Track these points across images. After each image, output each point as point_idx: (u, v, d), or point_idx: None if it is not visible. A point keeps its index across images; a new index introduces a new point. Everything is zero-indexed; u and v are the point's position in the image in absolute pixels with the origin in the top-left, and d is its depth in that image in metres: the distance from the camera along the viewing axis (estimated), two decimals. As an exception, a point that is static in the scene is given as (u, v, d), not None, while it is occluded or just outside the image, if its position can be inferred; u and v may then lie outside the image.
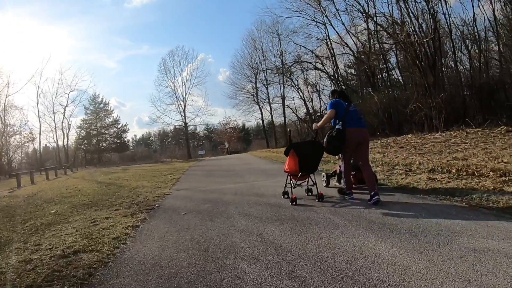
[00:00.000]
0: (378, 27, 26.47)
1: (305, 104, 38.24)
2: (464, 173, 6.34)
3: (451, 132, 16.57)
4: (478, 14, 25.14)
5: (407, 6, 23.76)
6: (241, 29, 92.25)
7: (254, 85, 45.05)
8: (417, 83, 24.66)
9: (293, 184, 5.79)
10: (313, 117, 37.01)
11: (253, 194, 6.68)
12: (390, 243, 3.20)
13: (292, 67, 34.71)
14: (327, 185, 6.98)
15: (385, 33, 26.15)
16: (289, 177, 5.94)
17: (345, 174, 5.58)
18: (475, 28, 25.36)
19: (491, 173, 5.94)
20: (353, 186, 5.90)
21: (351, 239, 3.41)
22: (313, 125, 6.11)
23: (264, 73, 43.35)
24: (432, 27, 23.65)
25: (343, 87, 31.58)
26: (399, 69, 29.81)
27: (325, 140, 5.52)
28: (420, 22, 24.11)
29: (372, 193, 4.97)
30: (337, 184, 6.83)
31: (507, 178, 5.53)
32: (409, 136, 19.16)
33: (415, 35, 23.64)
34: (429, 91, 22.22)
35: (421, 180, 6.37)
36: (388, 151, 13.68)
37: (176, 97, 49.70)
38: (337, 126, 5.34)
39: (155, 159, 40.12)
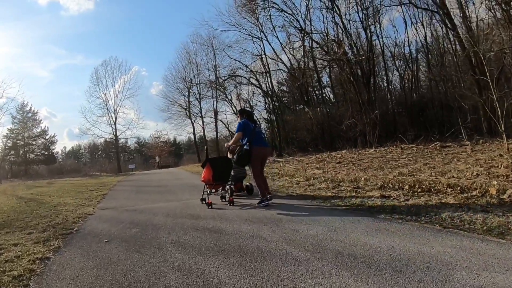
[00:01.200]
0: (314, 44, 27.18)
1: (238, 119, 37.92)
2: (419, 190, 6.16)
3: (385, 148, 17.18)
4: (410, 36, 27.18)
5: (344, 25, 24.64)
6: (176, 43, 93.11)
7: (186, 99, 44.30)
8: (351, 100, 25.53)
9: (209, 192, 6.99)
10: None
11: (187, 215, 5.96)
12: (374, 285, 2.50)
13: (226, 81, 34.45)
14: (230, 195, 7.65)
15: (322, 51, 26.82)
16: (205, 186, 7.05)
17: (257, 184, 6.47)
18: (406, 49, 27.38)
19: (449, 190, 5.81)
20: (234, 192, 7.42)
21: (322, 280, 2.68)
22: (226, 144, 7.43)
23: (197, 86, 42.67)
24: (367, 46, 24.76)
25: (276, 103, 31.94)
26: (331, 86, 31.11)
27: (235, 157, 6.79)
28: (355, 41, 25.16)
29: (268, 196, 6.25)
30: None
31: (468, 194, 5.38)
32: (343, 151, 19.62)
33: (352, 53, 24.47)
34: (364, 107, 22.98)
35: (375, 198, 6.06)
36: (326, 166, 13.66)
37: (107, 108, 47.78)
38: (245, 147, 6.53)
39: (84, 173, 37.64)
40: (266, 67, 31.54)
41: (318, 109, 25.50)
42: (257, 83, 31.79)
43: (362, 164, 12.61)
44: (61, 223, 6.03)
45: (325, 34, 25.75)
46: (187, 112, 44.59)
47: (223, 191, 7.31)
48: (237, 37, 38.63)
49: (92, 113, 50.91)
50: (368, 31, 24.71)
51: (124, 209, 7.31)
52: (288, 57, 30.33)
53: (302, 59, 29.16)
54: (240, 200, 7.25)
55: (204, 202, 6.90)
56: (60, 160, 68.75)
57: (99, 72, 48.82)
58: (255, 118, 6.97)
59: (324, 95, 31.30)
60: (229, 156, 7.37)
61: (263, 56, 31.25)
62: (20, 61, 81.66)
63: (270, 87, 31.98)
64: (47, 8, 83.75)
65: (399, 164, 11.01)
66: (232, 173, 7.59)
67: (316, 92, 31.36)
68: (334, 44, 24.91)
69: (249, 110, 7.91)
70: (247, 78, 32.11)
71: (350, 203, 5.95)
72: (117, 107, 48.16)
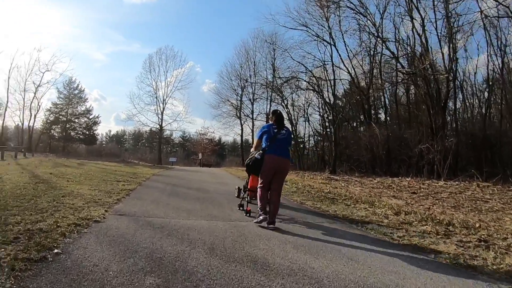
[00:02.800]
0: (389, 53, 24.14)
1: (291, 125, 35.31)
2: None
3: (457, 182, 14.41)
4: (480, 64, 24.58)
5: (426, 37, 21.53)
6: (235, 42, 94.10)
7: (239, 98, 42.17)
8: (423, 123, 22.38)
9: (249, 199, 6.66)
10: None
11: (246, 258, 3.55)
12: None
13: (286, 84, 31.50)
14: (237, 195, 8.12)
15: (396, 63, 23.80)
16: (246, 191, 6.88)
17: (259, 195, 5.69)
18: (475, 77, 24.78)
19: None
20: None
21: None
22: (252, 149, 6.62)
23: (252, 87, 40.60)
24: (449, 64, 21.49)
25: (336, 115, 28.80)
26: (396, 104, 27.73)
27: (245, 162, 6.39)
28: (434, 57, 22.00)
29: (271, 221, 5.28)
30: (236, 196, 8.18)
31: None
32: (407, 179, 16.76)
33: (431, 70, 21.29)
34: (437, 133, 19.87)
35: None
36: (403, 196, 11.02)
37: (156, 97, 46.50)
38: (256, 155, 5.82)
39: (122, 158, 36.40)
40: (331, 75, 28.56)
41: (385, 125, 22.19)
42: (319, 90, 28.78)
43: (445, 200, 10.32)
44: (46, 231, 3.87)
45: (405, 44, 22.59)
46: (237, 112, 42.46)
47: (253, 199, 6.65)
48: (302, 38, 36.49)
49: (140, 99, 50.38)
50: (451, 46, 21.41)
51: (146, 221, 4.99)
52: (353, 67, 27.39)
53: (370, 70, 26.19)
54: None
55: (242, 208, 6.69)
56: (103, 142, 70.40)
57: (153, 60, 47.67)
58: (284, 123, 6.08)
59: (389, 113, 28.15)
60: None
61: (330, 62, 28.13)
62: (78, 41, 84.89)
63: (332, 97, 28.98)
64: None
65: (495, 208, 8.88)
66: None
67: (379, 109, 28.31)
68: (416, 57, 21.65)
69: (280, 113, 5.70)
70: (311, 83, 29.18)
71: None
72: (166, 97, 46.83)
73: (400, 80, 24.40)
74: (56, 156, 29.60)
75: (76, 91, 51.13)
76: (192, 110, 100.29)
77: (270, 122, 6.11)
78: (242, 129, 43.63)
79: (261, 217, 5.36)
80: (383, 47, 24.23)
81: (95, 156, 41.53)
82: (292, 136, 7.28)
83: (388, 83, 25.45)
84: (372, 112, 27.74)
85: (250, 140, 44.98)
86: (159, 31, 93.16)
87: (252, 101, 41.53)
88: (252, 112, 41.78)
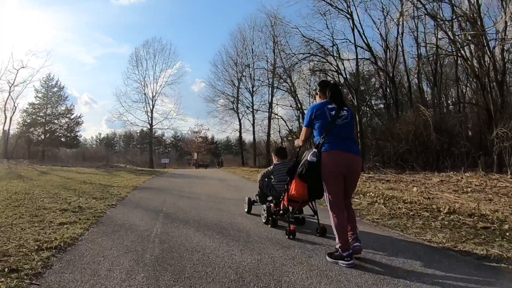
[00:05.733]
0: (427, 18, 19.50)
1: (301, 113, 30.28)
2: None
3: None
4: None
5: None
6: (226, 36, 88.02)
7: (236, 89, 37.99)
8: (477, 103, 17.88)
9: (288, 214, 4.70)
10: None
11: None
12: None
13: (298, 65, 25.22)
14: (248, 211, 6.04)
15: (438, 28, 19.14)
16: (280, 202, 4.84)
17: (334, 222, 3.56)
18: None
19: None
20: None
21: None
22: (295, 141, 4.55)
23: (251, 77, 36.51)
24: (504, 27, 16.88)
25: (362, 99, 23.84)
26: (433, 83, 23.10)
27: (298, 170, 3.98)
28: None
29: (351, 247, 3.49)
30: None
31: None
32: (466, 174, 12.52)
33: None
34: (499, 116, 15.45)
35: None
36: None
37: (145, 94, 42.36)
38: (309, 156, 3.67)
39: (106, 163, 31.87)
40: (353, 52, 23.56)
41: (424, 109, 17.41)
42: (339, 72, 23.57)
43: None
44: None
45: (451, 5, 17.80)
46: (234, 105, 38.14)
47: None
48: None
49: (128, 97, 45.33)
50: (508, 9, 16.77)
51: None
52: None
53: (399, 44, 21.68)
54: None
55: (269, 223, 4.98)
56: (93, 145, 68.41)
57: (140, 54, 43.46)
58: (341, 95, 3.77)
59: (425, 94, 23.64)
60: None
61: (345, 41, 23.19)
62: (66, 45, 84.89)
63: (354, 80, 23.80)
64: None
65: None
66: (276, 185, 5.25)
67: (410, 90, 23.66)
68: (466, 20, 17.03)
69: (336, 84, 2.78)
70: (329, 62, 24.15)
71: None
72: (156, 94, 42.68)
73: (449, 52, 19.59)
74: (29, 163, 25.31)
75: (55, 89, 45.54)
76: (184, 109, 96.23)
77: (320, 100, 3.91)
78: (240, 124, 39.08)
79: (346, 260, 3.32)
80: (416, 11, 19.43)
81: (78, 160, 37.88)
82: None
83: (426, 59, 20.70)
84: (400, 97, 23.36)
85: (250, 137, 40.74)
86: (148, 31, 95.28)
87: (251, 92, 37.23)
88: (252, 105, 37.32)
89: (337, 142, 3.58)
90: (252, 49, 36.34)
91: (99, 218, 5.22)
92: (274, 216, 5.03)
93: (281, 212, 4.94)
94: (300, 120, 30.62)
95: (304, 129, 3.95)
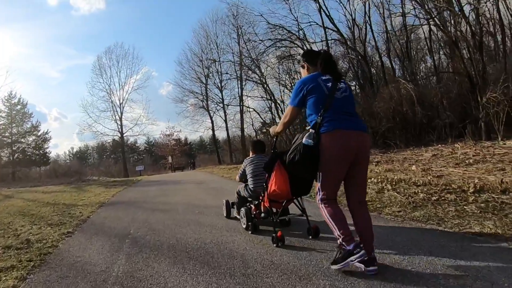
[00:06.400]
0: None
1: (274, 102, 29.82)
2: None
3: None
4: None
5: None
6: (189, 35, 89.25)
7: (204, 88, 37.62)
8: (457, 71, 17.28)
9: (262, 214, 4.23)
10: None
11: None
12: None
13: (266, 52, 25.34)
14: (227, 215, 5.39)
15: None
16: (261, 202, 4.13)
17: (330, 218, 2.86)
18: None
19: None
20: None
21: None
22: (271, 129, 3.76)
23: (218, 72, 35.93)
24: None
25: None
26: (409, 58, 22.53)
27: (286, 160, 3.08)
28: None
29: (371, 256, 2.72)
30: (237, 216, 4.99)
31: None
32: (456, 145, 11.90)
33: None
34: (481, 82, 14.90)
35: None
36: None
37: (111, 101, 41.74)
38: (303, 139, 2.84)
39: (78, 177, 30.34)
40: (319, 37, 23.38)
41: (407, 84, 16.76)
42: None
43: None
44: None
45: None
46: (204, 103, 37.61)
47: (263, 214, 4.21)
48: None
49: (95, 107, 44.52)
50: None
51: None
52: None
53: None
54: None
55: (249, 229, 4.30)
56: (67, 160, 66.65)
57: (103, 61, 42.87)
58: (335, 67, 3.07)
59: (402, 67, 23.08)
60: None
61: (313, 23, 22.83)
62: (30, 61, 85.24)
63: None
64: (57, 8, 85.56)
65: None
66: (251, 182, 4.51)
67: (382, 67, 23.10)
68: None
69: (328, 53, 2.32)
70: (297, 46, 23.58)
71: None
72: (123, 100, 41.98)
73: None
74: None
75: (19, 107, 43.58)
76: (153, 114, 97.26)
77: (309, 73, 3.11)
78: (212, 122, 38.56)
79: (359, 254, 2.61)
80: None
81: (49, 177, 36.33)
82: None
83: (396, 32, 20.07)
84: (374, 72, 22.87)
85: (223, 134, 40.04)
86: (111, 39, 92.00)
87: (220, 88, 36.73)
88: (223, 100, 36.77)
89: (340, 120, 2.85)
90: (217, 43, 35.87)
91: (46, 257, 4.08)
92: (255, 220, 4.37)
93: (262, 215, 4.28)
94: (273, 111, 29.94)
95: (289, 108, 3.11)
